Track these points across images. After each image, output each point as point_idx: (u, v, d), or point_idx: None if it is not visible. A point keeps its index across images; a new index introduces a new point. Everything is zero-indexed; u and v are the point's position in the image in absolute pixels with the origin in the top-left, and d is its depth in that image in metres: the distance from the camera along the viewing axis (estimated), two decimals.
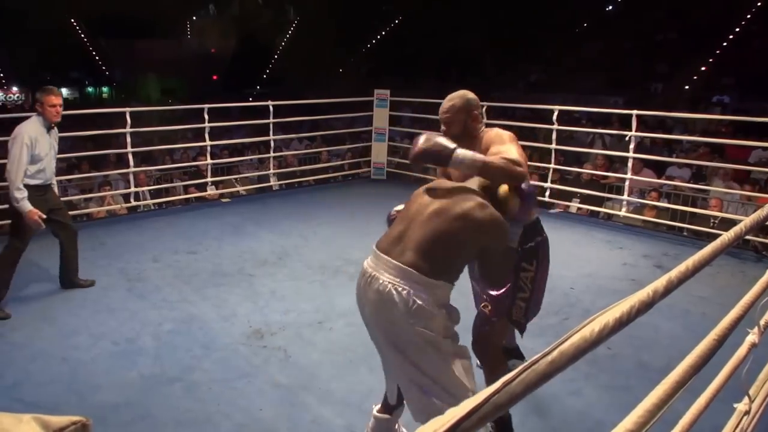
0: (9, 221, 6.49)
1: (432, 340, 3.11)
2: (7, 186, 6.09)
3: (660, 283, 1.82)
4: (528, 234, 3.89)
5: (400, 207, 3.65)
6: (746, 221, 2.80)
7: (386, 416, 3.85)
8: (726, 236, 2.52)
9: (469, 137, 3.83)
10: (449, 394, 3.11)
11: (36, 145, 6.18)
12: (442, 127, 3.90)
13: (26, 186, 6.11)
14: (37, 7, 35.29)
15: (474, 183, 3.43)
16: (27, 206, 6.05)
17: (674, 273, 1.96)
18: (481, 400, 1.13)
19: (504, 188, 3.41)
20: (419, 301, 3.07)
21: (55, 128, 6.52)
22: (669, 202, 10.29)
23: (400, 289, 3.09)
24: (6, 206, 6.43)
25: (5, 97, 42.65)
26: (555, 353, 1.30)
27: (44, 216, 6.21)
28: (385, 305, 3.15)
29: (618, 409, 4.32)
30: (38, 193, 6.29)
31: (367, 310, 3.31)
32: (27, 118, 6.29)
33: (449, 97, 3.93)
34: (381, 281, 3.16)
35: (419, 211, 3.30)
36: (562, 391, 4.62)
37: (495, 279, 3.71)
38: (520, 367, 1.25)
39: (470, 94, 3.92)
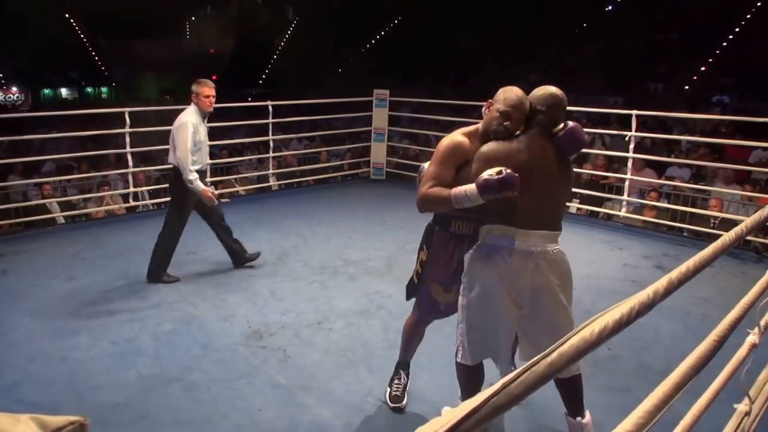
0: (170, 201, 7.26)
1: None
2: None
3: (660, 284, 1.82)
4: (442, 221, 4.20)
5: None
6: (747, 222, 2.79)
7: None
8: (727, 237, 2.52)
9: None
10: None
11: (197, 132, 6.79)
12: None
13: None
14: (37, 7, 35.28)
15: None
16: (200, 186, 6.72)
17: (675, 274, 1.95)
18: (480, 402, 1.13)
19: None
20: None
21: (206, 119, 7.11)
22: (669, 203, 10.28)
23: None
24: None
25: (5, 97, 42.67)
26: (554, 355, 1.30)
27: (216, 193, 7.03)
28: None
29: (618, 410, 4.32)
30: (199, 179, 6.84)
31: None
32: (32, 119, 6.44)
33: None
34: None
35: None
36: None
37: None
38: (520, 369, 1.25)
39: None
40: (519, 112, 3.81)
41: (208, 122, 6.75)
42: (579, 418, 3.94)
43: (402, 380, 4.61)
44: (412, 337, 4.57)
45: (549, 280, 3.68)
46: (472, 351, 3.94)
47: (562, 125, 3.81)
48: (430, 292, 4.26)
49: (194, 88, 6.90)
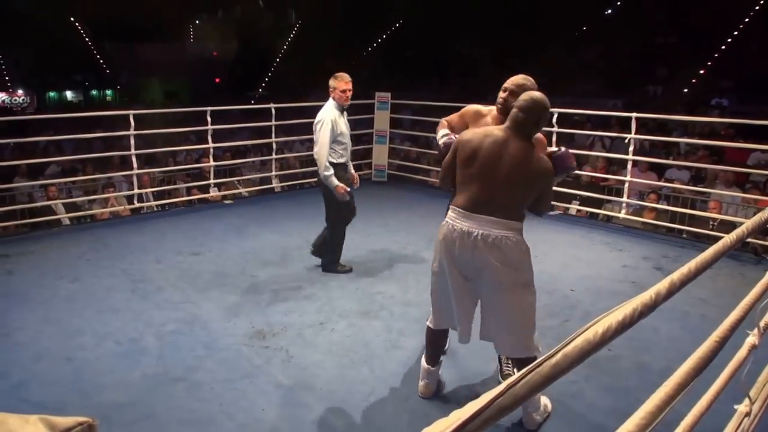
0: (324, 196, 7.22)
1: None
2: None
3: (662, 285, 1.82)
4: None
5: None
6: (748, 224, 2.79)
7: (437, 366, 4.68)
8: (728, 238, 2.52)
9: None
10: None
11: (336, 126, 6.94)
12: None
13: (332, 164, 6.93)
14: (42, 10, 35.27)
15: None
16: (334, 182, 6.90)
17: (676, 275, 1.95)
18: (485, 403, 1.12)
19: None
20: None
21: (345, 111, 7.23)
22: (668, 205, 10.27)
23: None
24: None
25: (11, 100, 42.65)
26: (559, 356, 1.30)
27: (348, 189, 7.07)
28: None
29: (618, 410, 4.34)
30: (342, 170, 7.10)
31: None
32: (37, 121, 6.46)
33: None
34: None
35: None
36: (563, 393, 4.61)
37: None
38: (524, 370, 1.24)
39: None
40: (520, 89, 4.45)
41: (212, 124, 6.77)
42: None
43: None
44: None
45: (488, 261, 4.01)
46: (435, 316, 4.50)
47: (557, 148, 4.47)
48: None
49: (331, 83, 7.03)
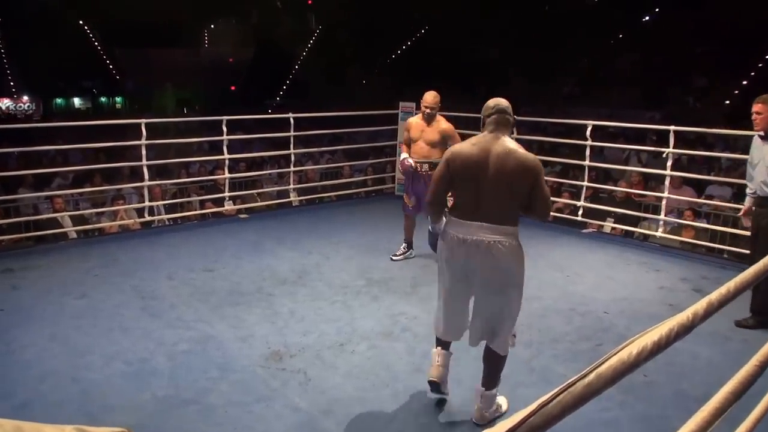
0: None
1: None
2: None
3: (700, 305, 1.83)
4: None
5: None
6: None
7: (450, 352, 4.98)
8: None
9: None
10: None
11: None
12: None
13: None
14: (50, 13, 35.52)
15: None
16: None
17: (714, 295, 1.96)
18: (517, 422, 1.15)
19: None
20: None
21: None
22: (708, 223, 10.22)
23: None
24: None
25: (15, 106, 42.93)
26: (592, 376, 1.32)
27: None
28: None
29: None
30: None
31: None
32: (43, 129, 6.49)
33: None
34: None
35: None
36: (596, 421, 4.60)
37: None
38: (557, 389, 1.27)
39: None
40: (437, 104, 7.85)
41: (228, 134, 6.84)
42: (483, 388, 4.68)
43: (403, 249, 8.61)
44: (407, 226, 8.58)
45: (481, 264, 4.44)
46: (436, 324, 4.92)
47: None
48: (404, 200, 8.39)
49: None
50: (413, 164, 8.03)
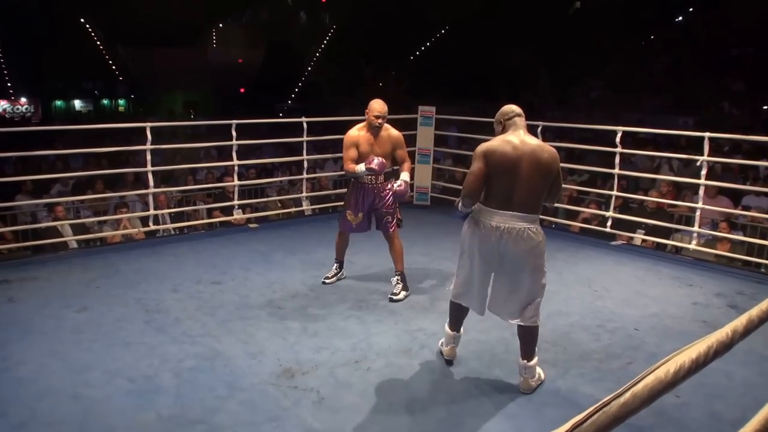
0: None
1: None
2: None
3: (739, 322, 1.83)
4: None
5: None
6: None
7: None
8: None
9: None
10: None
11: None
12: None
13: None
14: (50, 11, 35.64)
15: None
16: None
17: (755, 311, 1.95)
18: None
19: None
20: None
21: None
22: (745, 235, 10.16)
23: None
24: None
25: (12, 108, 43.03)
26: (628, 395, 1.32)
27: None
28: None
29: None
30: None
31: None
32: (42, 132, 6.48)
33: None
34: None
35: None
36: None
37: None
38: (591, 409, 1.27)
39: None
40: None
41: (237, 139, 6.89)
42: (525, 361, 5.38)
43: (335, 270, 8.27)
44: (339, 244, 8.25)
45: (511, 249, 5.18)
46: (455, 290, 5.75)
47: (399, 182, 7.70)
48: (346, 217, 7.95)
49: None
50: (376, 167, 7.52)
